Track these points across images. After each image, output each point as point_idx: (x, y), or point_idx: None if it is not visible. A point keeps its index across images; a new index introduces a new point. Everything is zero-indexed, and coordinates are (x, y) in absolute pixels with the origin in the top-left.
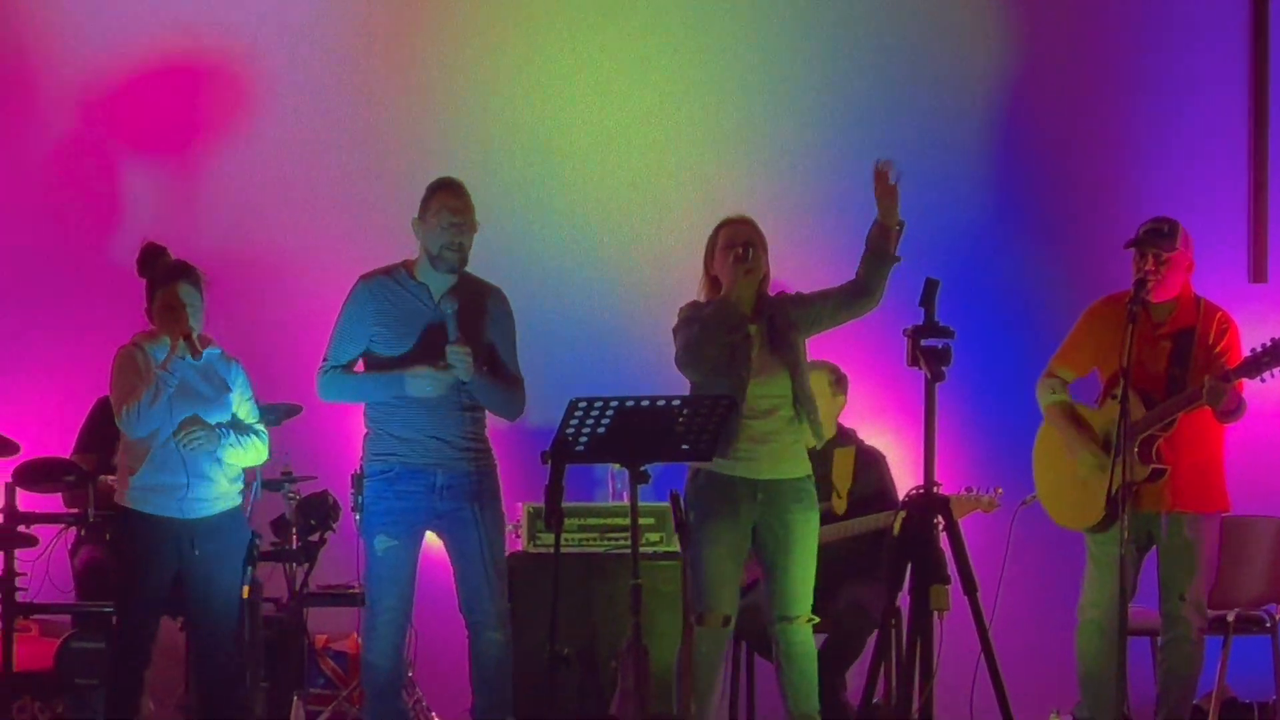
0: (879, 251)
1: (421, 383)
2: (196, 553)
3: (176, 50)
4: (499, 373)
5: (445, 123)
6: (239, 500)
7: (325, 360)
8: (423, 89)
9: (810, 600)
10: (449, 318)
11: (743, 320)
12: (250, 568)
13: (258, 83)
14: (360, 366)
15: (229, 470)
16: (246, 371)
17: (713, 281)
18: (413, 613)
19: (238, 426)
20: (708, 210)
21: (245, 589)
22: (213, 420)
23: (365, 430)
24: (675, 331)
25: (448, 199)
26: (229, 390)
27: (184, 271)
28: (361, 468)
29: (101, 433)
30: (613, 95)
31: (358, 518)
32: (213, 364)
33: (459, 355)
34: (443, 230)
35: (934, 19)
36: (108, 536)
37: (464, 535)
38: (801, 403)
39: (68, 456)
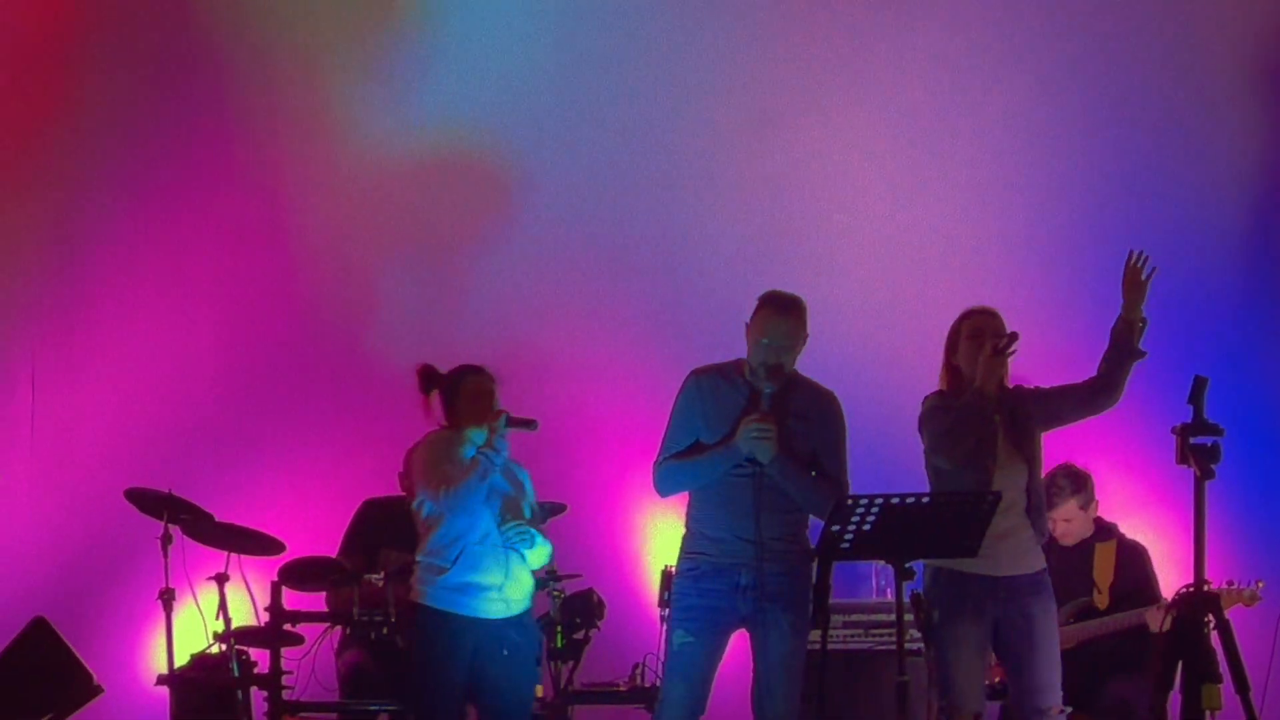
0: (1123, 346)
1: (752, 440)
2: (505, 652)
3: (437, 150)
4: (820, 470)
5: (698, 227)
6: (531, 601)
7: (660, 454)
8: (678, 192)
9: (1059, 690)
10: (765, 397)
11: (990, 411)
12: (539, 667)
13: (518, 186)
14: None
15: (528, 571)
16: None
17: (953, 371)
18: (704, 709)
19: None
20: (948, 300)
21: (539, 688)
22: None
23: (685, 529)
24: (922, 421)
25: (768, 317)
26: (524, 494)
27: (480, 367)
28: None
29: (366, 535)
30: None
31: (663, 614)
32: (510, 465)
33: (753, 428)
34: (759, 348)
35: (1190, 101)
36: (373, 637)
37: (762, 636)
38: (1034, 498)
39: (333, 556)
